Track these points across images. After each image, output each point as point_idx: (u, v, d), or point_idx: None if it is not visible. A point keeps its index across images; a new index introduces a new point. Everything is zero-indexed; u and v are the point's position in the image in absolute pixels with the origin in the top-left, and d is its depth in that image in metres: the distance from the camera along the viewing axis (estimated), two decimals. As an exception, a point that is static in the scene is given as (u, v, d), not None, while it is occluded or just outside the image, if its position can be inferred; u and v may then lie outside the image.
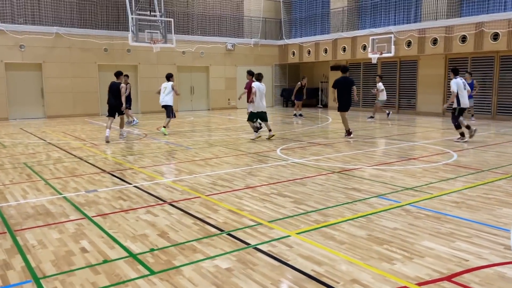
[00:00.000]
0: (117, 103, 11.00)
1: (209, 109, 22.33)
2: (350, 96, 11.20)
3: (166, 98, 12.15)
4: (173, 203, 5.42)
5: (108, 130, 10.96)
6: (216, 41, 22.16)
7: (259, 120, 11.22)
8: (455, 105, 10.10)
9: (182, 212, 5.04)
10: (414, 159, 8.32)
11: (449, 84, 10.89)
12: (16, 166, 7.94)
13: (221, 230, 4.39)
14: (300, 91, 17.29)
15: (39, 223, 4.70)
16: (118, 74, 11.25)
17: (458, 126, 10.24)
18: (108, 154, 9.24)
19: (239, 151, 9.33)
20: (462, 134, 10.26)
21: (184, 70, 21.45)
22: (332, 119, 16.92)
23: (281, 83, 24.77)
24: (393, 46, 17.80)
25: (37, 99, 17.94)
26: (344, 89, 11.07)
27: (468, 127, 10.28)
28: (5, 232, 4.41)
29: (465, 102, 10.09)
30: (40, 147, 10.17)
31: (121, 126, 11.69)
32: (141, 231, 4.42)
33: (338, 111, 11.35)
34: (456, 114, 10.14)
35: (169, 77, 12.37)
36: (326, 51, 21.30)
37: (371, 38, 18.55)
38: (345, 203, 5.32)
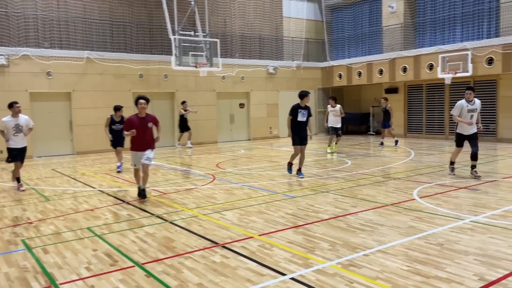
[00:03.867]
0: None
1: (249, 139, 20.06)
2: None
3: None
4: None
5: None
6: (257, 64, 20.10)
7: None
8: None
9: None
10: None
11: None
12: (81, 235, 5.55)
13: None
14: (387, 115, 15.10)
15: None
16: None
17: None
18: (193, 209, 6.85)
19: (371, 202, 6.93)
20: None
21: (224, 96, 19.31)
22: (412, 150, 14.58)
23: (324, 109, 22.51)
24: (470, 64, 15.63)
25: (65, 133, 15.68)
26: None
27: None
28: None
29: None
30: (94, 199, 7.79)
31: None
32: None
33: None
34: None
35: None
36: (381, 72, 19.16)
37: (440, 56, 16.41)
38: None
